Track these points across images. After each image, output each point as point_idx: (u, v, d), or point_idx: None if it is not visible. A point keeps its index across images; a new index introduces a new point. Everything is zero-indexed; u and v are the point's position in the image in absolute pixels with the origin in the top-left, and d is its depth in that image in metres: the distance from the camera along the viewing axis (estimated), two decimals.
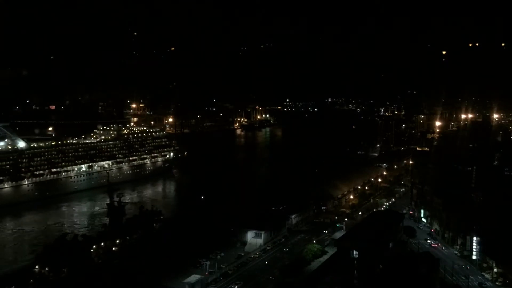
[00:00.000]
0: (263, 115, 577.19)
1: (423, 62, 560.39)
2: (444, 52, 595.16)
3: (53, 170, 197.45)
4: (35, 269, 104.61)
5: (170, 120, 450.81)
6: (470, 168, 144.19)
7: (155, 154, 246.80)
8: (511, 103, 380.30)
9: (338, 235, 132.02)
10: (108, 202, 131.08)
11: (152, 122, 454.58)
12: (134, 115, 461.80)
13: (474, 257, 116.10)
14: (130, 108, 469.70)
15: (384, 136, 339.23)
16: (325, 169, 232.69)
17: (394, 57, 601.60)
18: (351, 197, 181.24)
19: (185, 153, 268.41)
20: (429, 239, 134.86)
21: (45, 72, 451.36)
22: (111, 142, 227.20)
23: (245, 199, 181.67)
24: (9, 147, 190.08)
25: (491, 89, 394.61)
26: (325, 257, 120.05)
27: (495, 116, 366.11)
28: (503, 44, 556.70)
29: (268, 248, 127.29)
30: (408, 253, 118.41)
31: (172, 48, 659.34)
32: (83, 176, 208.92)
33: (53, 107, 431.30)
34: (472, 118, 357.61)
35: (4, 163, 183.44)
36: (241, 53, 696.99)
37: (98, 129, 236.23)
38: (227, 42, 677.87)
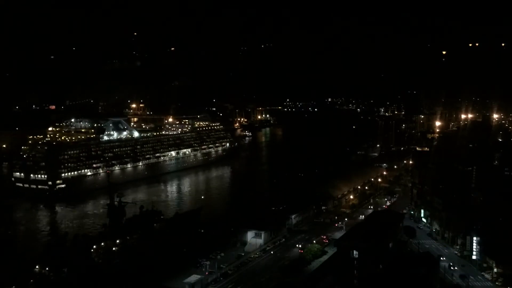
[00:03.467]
0: (263, 115, 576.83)
1: (423, 62, 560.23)
2: (444, 52, 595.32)
3: (156, 155, 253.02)
4: (35, 269, 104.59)
5: (170, 120, 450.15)
6: (470, 168, 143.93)
7: (217, 144, 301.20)
8: (511, 103, 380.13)
9: (338, 235, 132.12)
10: (110, 203, 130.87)
11: (152, 123, 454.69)
12: (134, 115, 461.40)
13: (474, 257, 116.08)
14: (130, 108, 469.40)
15: (384, 136, 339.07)
16: (325, 169, 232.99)
17: (394, 57, 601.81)
18: (351, 197, 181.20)
19: (236, 144, 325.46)
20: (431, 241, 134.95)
21: (45, 72, 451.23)
22: (189, 134, 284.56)
23: (245, 199, 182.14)
24: (128, 136, 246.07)
25: (491, 89, 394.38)
26: (325, 257, 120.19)
27: (495, 116, 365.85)
28: (503, 44, 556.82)
29: (268, 248, 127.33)
30: (408, 253, 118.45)
31: (172, 48, 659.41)
32: (173, 160, 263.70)
33: (53, 107, 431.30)
34: (472, 118, 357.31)
35: (126, 148, 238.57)
36: (241, 53, 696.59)
37: (164, 125, 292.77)
38: (227, 42, 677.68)
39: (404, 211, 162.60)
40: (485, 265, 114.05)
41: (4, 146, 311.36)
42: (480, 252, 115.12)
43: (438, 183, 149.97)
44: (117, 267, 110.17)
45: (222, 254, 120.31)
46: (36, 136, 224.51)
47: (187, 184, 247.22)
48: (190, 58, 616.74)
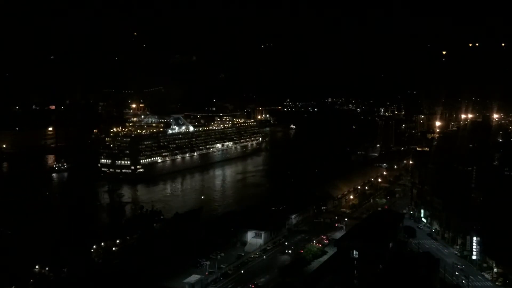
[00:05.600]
0: (263, 115, 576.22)
1: (423, 62, 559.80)
2: (444, 52, 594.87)
3: (207, 146, 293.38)
4: (35, 269, 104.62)
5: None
6: (470, 168, 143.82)
7: (252, 138, 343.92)
8: (511, 103, 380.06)
9: (338, 235, 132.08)
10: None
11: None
12: (134, 115, 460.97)
13: (474, 257, 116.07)
14: (130, 108, 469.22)
15: (384, 136, 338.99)
16: (325, 169, 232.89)
17: (394, 57, 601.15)
18: (351, 197, 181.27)
19: (267, 138, 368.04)
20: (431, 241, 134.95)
21: (45, 72, 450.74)
22: (230, 129, 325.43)
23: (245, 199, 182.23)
24: (186, 130, 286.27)
25: (491, 89, 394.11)
26: (325, 257, 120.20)
27: (495, 116, 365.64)
28: (503, 44, 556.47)
29: (268, 248, 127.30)
30: (408, 253, 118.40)
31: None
32: (219, 151, 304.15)
33: (53, 107, 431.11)
34: (472, 118, 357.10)
35: (185, 140, 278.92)
36: (241, 53, 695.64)
37: (216, 120, 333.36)
38: (227, 42, 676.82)
39: (404, 211, 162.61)
40: (485, 265, 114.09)
41: (4, 146, 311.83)
42: (480, 252, 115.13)
43: (438, 183, 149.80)
44: (117, 267, 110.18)
45: (222, 254, 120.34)
46: (116, 129, 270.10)
47: (229, 172, 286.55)
48: (190, 58, 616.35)
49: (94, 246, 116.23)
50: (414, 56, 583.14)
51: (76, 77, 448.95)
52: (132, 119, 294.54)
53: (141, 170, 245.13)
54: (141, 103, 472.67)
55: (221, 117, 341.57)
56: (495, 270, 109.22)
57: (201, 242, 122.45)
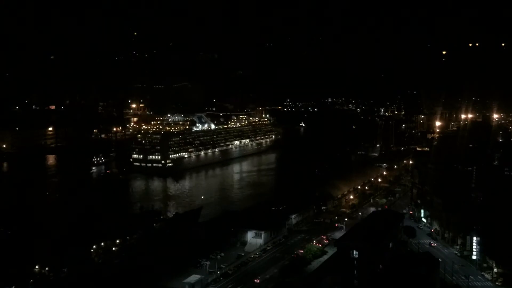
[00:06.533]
0: (263, 115, 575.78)
1: (423, 62, 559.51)
2: (444, 52, 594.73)
3: (226, 143, 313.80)
4: (35, 269, 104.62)
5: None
6: (470, 168, 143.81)
7: (266, 136, 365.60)
8: (511, 103, 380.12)
9: (338, 235, 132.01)
10: None
11: (152, 122, 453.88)
12: (134, 115, 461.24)
13: (474, 257, 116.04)
14: (130, 108, 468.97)
15: (384, 136, 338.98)
16: (325, 169, 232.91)
17: (394, 57, 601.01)
18: (351, 197, 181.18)
19: (279, 136, 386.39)
20: (430, 240, 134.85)
21: (45, 72, 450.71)
22: (246, 127, 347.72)
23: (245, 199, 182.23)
24: (208, 128, 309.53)
25: (491, 89, 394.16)
26: (325, 257, 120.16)
27: (495, 116, 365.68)
28: (503, 44, 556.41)
29: (268, 248, 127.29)
30: (408, 253, 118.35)
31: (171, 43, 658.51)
32: (237, 148, 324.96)
33: (53, 107, 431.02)
34: (472, 118, 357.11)
35: (207, 137, 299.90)
36: (241, 53, 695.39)
37: (232, 119, 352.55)
38: (227, 42, 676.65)
39: (404, 211, 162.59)
40: (485, 265, 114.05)
41: (4, 146, 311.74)
42: (480, 252, 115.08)
43: (438, 183, 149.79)
44: (117, 267, 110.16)
45: (222, 254, 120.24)
46: (146, 127, 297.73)
47: (246, 167, 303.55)
48: (190, 58, 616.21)
49: (94, 246, 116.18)
50: (414, 56, 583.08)
51: (78, 77, 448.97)
52: (160, 117, 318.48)
53: (170, 164, 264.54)
54: (141, 102, 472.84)
55: (237, 116, 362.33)
56: (495, 270, 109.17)
57: (201, 242, 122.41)
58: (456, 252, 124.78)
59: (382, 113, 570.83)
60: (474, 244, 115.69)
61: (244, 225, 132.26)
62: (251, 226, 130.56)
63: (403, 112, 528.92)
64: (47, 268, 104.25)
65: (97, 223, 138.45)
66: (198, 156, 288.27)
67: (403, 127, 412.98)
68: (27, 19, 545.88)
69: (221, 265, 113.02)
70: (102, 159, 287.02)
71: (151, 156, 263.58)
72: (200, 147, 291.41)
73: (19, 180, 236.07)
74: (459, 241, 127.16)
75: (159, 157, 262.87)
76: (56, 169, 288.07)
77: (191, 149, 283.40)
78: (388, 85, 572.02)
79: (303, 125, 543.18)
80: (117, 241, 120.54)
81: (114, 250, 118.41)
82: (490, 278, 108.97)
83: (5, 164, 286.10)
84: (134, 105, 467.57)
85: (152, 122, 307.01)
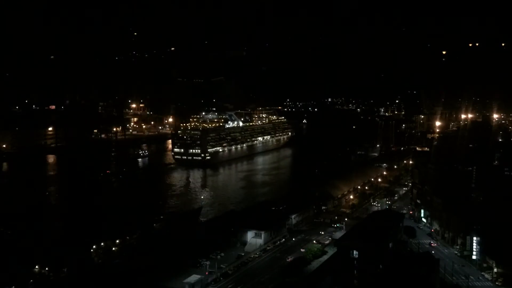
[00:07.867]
0: (263, 115, 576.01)
1: (423, 62, 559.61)
2: (444, 52, 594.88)
3: (252, 139, 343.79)
4: (35, 269, 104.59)
5: (170, 120, 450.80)
6: (470, 168, 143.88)
7: (284, 133, 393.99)
8: (511, 103, 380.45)
9: (338, 235, 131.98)
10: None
11: (152, 122, 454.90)
12: (134, 115, 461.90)
13: (474, 257, 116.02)
14: (130, 108, 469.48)
15: (384, 136, 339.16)
16: (325, 169, 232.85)
17: (394, 57, 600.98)
18: (351, 197, 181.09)
19: (294, 133, 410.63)
20: (430, 240, 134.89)
21: (45, 72, 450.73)
22: (267, 125, 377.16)
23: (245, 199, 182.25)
24: (237, 125, 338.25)
25: (491, 89, 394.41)
26: (325, 257, 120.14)
27: (495, 116, 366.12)
28: (503, 44, 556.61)
29: (268, 248, 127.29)
30: (408, 253, 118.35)
31: (172, 48, 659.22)
32: (260, 143, 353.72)
33: (53, 107, 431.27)
34: (472, 118, 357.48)
35: (237, 134, 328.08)
36: (244, 53, 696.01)
37: (254, 117, 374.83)
38: (227, 42, 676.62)
39: (404, 211, 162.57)
40: (485, 265, 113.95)
41: (4, 146, 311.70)
42: (480, 252, 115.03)
43: (438, 183, 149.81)
44: (117, 267, 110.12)
45: (222, 254, 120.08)
46: (185, 124, 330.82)
47: (268, 159, 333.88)
48: (190, 58, 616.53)
49: (94, 246, 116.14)
50: (414, 56, 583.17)
51: (78, 77, 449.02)
52: (196, 115, 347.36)
53: (208, 157, 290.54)
54: (141, 102, 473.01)
55: (258, 114, 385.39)
56: (495, 270, 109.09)
57: (201, 242, 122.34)
58: (456, 252, 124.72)
59: (382, 113, 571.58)
60: (474, 244, 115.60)
61: (244, 225, 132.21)
62: (251, 226, 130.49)
63: (403, 112, 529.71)
64: (47, 268, 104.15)
65: (97, 223, 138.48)
66: (230, 150, 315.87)
67: (403, 127, 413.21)
68: (27, 19, 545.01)
69: (221, 265, 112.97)
70: (146, 152, 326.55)
71: (191, 150, 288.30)
72: (232, 142, 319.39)
73: (19, 180, 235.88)
74: (459, 241, 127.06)
75: (199, 150, 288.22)
76: (58, 168, 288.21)
77: (225, 144, 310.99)
78: (388, 85, 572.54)
79: (305, 122, 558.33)
80: (117, 241, 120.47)
81: (113, 250, 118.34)
82: (490, 278, 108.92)
83: (5, 164, 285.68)
84: (134, 105, 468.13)
85: (190, 120, 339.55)
